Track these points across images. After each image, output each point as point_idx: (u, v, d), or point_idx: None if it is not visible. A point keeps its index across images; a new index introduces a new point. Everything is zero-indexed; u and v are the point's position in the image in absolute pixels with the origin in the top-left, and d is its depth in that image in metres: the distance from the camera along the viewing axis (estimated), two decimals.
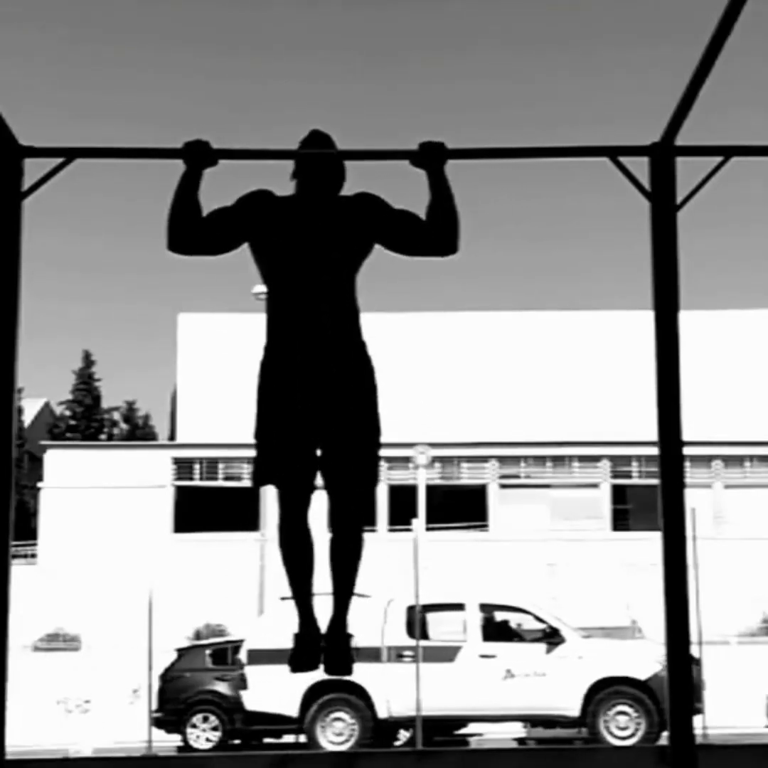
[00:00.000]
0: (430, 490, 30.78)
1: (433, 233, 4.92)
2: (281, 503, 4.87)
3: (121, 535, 30.66)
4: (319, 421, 4.79)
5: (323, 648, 4.88)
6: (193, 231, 4.90)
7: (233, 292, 67.20)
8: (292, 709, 17.72)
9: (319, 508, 4.91)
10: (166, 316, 70.34)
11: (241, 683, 18.34)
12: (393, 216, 4.95)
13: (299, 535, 4.86)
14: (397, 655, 17.62)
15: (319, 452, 4.85)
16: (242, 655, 18.36)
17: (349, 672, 4.90)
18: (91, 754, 17.89)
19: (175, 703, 19.70)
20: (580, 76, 61.75)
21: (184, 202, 4.92)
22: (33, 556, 31.86)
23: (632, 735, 17.03)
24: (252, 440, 4.92)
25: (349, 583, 4.91)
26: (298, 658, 4.89)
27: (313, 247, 4.86)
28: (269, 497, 25.68)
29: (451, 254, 4.99)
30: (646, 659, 17.03)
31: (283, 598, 14.59)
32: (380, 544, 24.06)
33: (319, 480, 4.92)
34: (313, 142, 5.03)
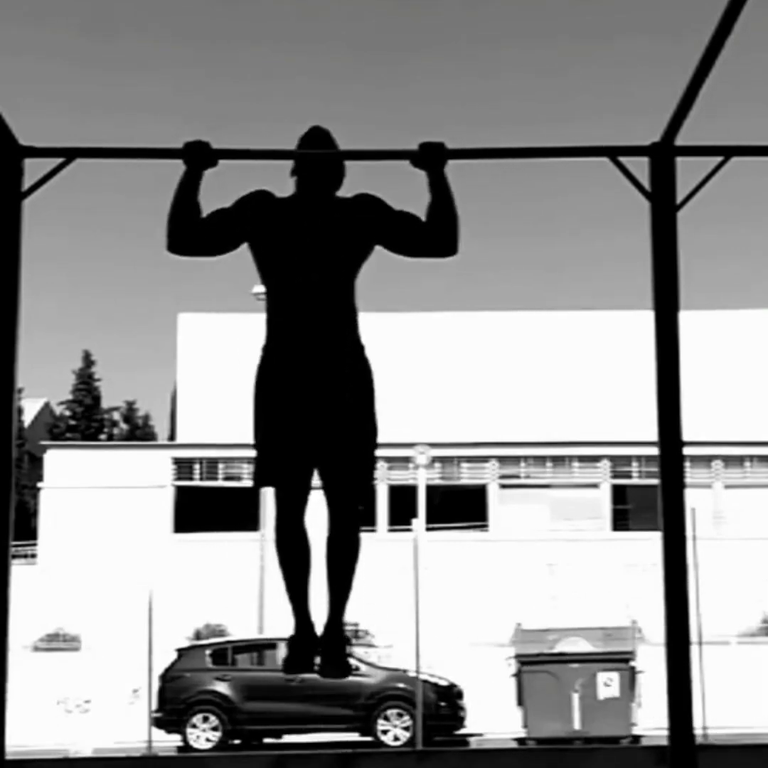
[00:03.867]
0: (430, 490, 30.77)
1: (434, 234, 4.92)
2: (278, 504, 4.87)
3: (121, 535, 30.66)
4: (317, 423, 4.78)
5: (319, 650, 4.87)
6: (192, 232, 4.90)
7: (233, 292, 67.21)
8: None
9: (316, 509, 4.91)
10: (166, 316, 70.35)
11: None
12: (393, 217, 4.94)
13: (296, 536, 4.86)
14: None
15: (316, 454, 4.84)
16: None
17: (346, 675, 4.88)
18: (91, 754, 17.91)
19: (175, 703, 19.70)
20: (580, 75, 61.76)
21: (183, 203, 4.92)
22: (33, 556, 31.86)
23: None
24: (251, 441, 4.92)
25: (345, 586, 4.90)
26: (293, 660, 4.88)
27: (312, 248, 4.85)
28: (269, 497, 25.61)
29: (451, 255, 5.00)
30: None
31: None
32: (380, 544, 24.11)
33: (316, 481, 4.92)
34: (312, 138, 5.03)
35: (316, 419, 4.78)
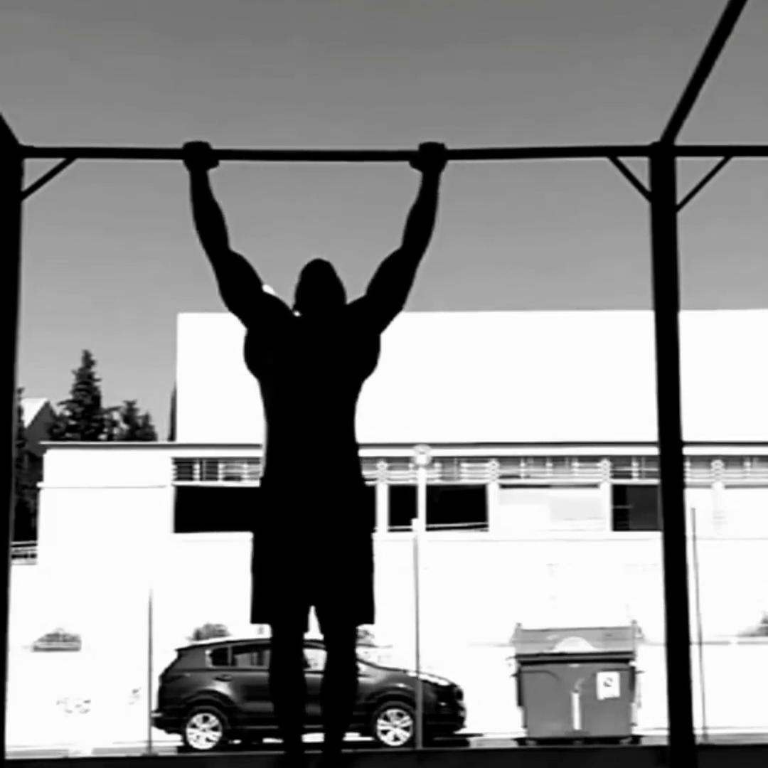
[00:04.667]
0: (430, 490, 30.77)
1: (408, 240, 4.99)
2: (275, 639, 4.89)
3: (121, 535, 30.66)
4: (315, 562, 4.77)
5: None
6: (216, 232, 4.97)
7: None
8: None
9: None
10: (166, 316, 70.35)
11: None
12: (370, 291, 5.02)
13: (292, 669, 4.90)
14: None
15: (314, 596, 4.82)
16: None
17: None
18: (91, 754, 17.90)
19: (175, 703, 19.70)
20: (580, 75, 61.77)
21: (199, 202, 4.98)
22: (33, 556, 31.86)
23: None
24: (251, 573, 4.91)
25: (342, 717, 4.96)
26: None
27: (314, 363, 4.86)
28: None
29: (421, 255, 5.04)
30: None
31: None
32: (380, 544, 24.04)
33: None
34: (313, 271, 5.03)
35: (313, 558, 4.76)
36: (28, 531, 31.92)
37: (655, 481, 5.56)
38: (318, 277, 4.99)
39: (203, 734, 19.69)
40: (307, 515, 4.77)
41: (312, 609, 4.84)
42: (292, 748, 4.95)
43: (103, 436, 47.10)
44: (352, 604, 4.82)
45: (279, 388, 4.88)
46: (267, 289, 5.13)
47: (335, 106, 60.74)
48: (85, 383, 47.63)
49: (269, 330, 4.95)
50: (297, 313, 5.03)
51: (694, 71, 4.95)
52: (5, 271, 5.25)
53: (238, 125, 56.95)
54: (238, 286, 4.99)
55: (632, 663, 17.95)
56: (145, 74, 64.59)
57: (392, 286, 5.03)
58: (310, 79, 62.25)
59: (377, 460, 30.70)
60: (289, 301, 5.08)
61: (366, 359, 4.98)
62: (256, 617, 4.88)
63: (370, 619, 4.89)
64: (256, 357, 4.99)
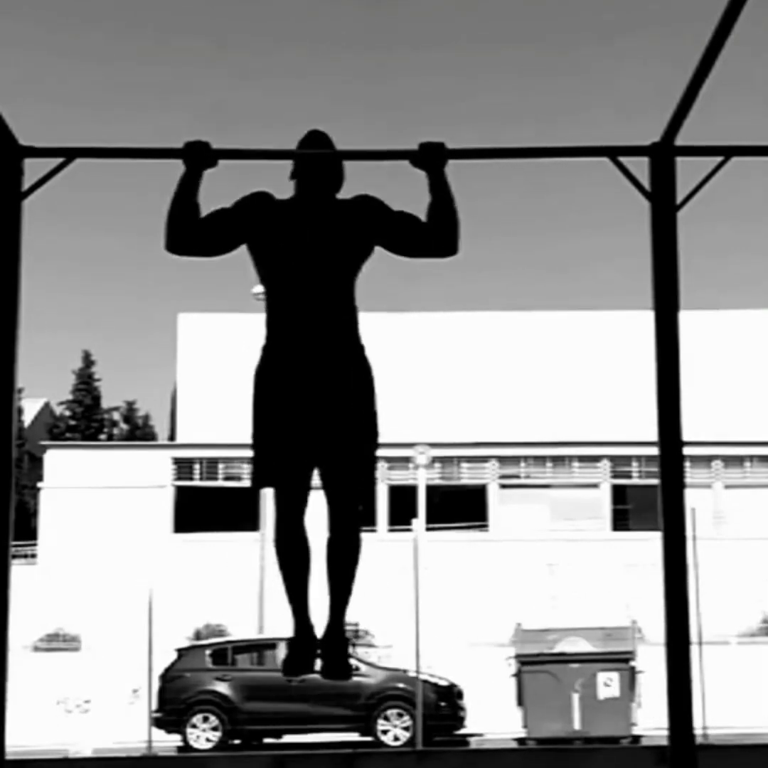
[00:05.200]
0: (430, 490, 30.77)
1: (434, 235, 4.91)
2: (278, 505, 4.85)
3: (121, 535, 30.66)
4: (317, 423, 4.76)
5: (319, 652, 4.86)
6: (191, 232, 4.89)
7: (233, 292, 67.20)
8: None
9: (316, 510, 4.90)
10: (166, 316, 70.33)
11: None
12: (393, 218, 4.94)
13: (296, 537, 4.84)
14: None
15: (316, 454, 4.82)
16: None
17: (347, 677, 4.87)
18: (91, 754, 17.90)
19: (175, 703, 19.70)
20: (580, 76, 61.76)
21: (182, 202, 4.91)
22: (33, 556, 31.86)
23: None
24: (250, 441, 4.91)
25: (346, 587, 4.88)
26: (294, 662, 4.87)
27: (312, 249, 4.84)
28: (269, 497, 25.65)
29: (451, 255, 4.99)
30: None
31: None
32: (380, 544, 24.10)
33: (316, 481, 4.91)
34: (311, 142, 5.02)
35: (315, 419, 4.76)
36: (28, 531, 31.92)
37: (655, 481, 5.55)
38: (316, 148, 4.96)
39: (203, 734, 19.69)
40: (308, 379, 4.76)
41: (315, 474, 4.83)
42: (299, 617, 4.88)
43: (103, 436, 47.10)
44: (355, 464, 4.81)
45: (277, 263, 4.87)
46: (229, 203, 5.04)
47: (335, 106, 60.73)
48: (85, 383, 47.63)
49: (262, 227, 4.88)
50: (291, 189, 4.98)
51: (694, 71, 4.95)
52: (5, 271, 5.25)
53: (238, 126, 56.98)
54: (218, 237, 4.92)
55: (632, 663, 17.96)
56: (146, 75, 64.62)
57: (407, 243, 4.93)
58: (311, 79, 62.29)
59: (378, 460, 30.64)
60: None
61: (362, 248, 4.92)
62: (258, 480, 4.85)
63: (371, 481, 4.90)
64: (257, 250, 4.93)
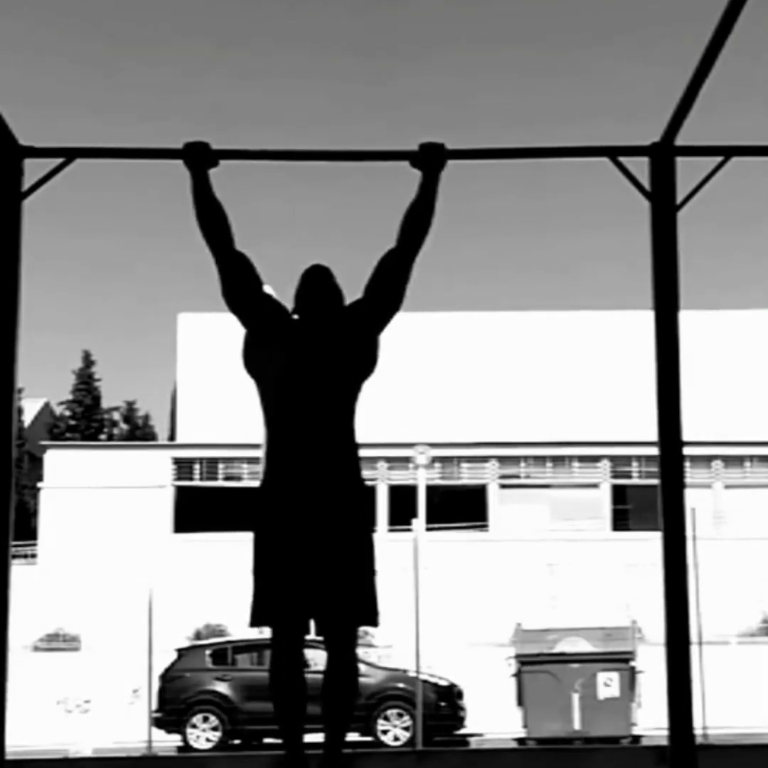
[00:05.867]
0: (430, 490, 30.77)
1: (405, 239, 4.99)
2: (275, 642, 4.88)
3: (121, 535, 30.66)
4: (316, 565, 4.76)
5: None
6: (222, 233, 4.98)
7: None
8: None
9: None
10: (166, 316, 70.35)
11: None
12: (368, 288, 5.02)
13: (292, 672, 4.88)
14: None
15: (314, 602, 4.81)
16: None
17: None
18: (91, 754, 17.89)
19: (175, 703, 19.69)
20: (580, 76, 61.76)
21: (204, 199, 4.98)
22: (33, 556, 31.86)
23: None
24: (252, 576, 4.91)
25: (342, 721, 4.95)
26: None
27: (314, 367, 4.86)
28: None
29: (416, 253, 5.04)
30: None
31: None
32: (380, 544, 24.05)
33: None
34: (313, 276, 5.04)
35: (314, 565, 4.75)
36: (28, 531, 31.92)
37: (655, 481, 5.55)
38: (317, 281, 5.00)
39: (203, 734, 19.69)
40: (308, 518, 4.76)
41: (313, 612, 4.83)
42: (293, 750, 4.93)
43: (103, 436, 47.10)
44: (353, 606, 4.81)
45: (278, 391, 4.88)
46: (267, 289, 5.13)
47: (335, 107, 60.73)
48: (85, 383, 47.64)
49: (268, 332, 4.96)
50: (296, 317, 5.03)
51: (694, 71, 4.95)
52: (5, 271, 5.25)
53: (238, 126, 56.96)
54: (240, 285, 5.00)
55: (632, 663, 17.95)
56: (146, 75, 64.61)
57: (389, 285, 5.03)
58: (311, 79, 62.26)
59: (377, 460, 30.69)
60: (289, 305, 5.08)
61: (365, 361, 4.98)
62: (257, 621, 4.88)
63: (373, 621, 4.90)
64: (255, 360, 5.00)
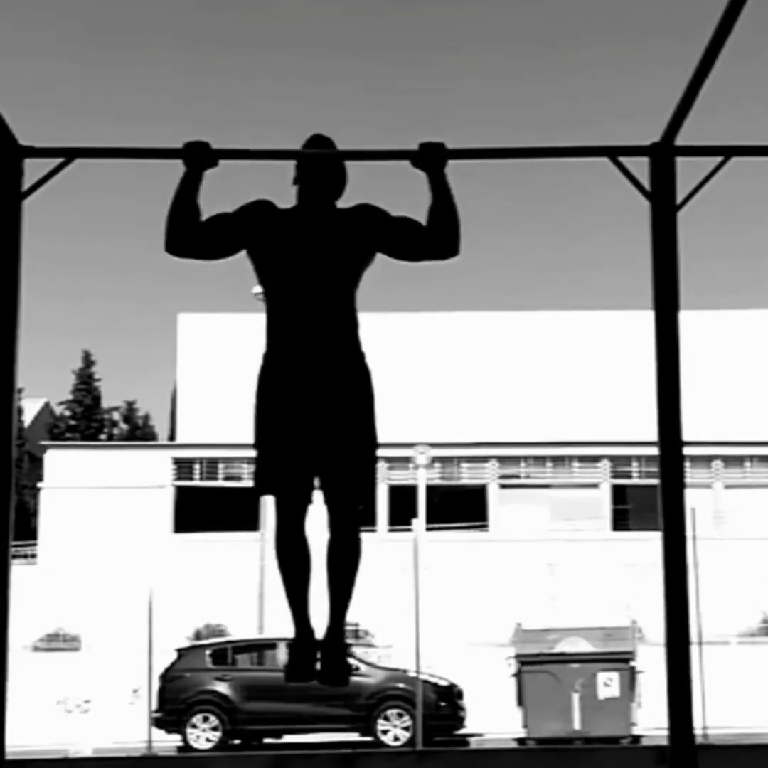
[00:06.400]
0: (430, 490, 30.77)
1: (435, 237, 4.91)
2: (279, 512, 4.87)
3: (121, 535, 30.66)
4: (318, 432, 4.78)
5: (319, 657, 4.85)
6: (191, 233, 4.89)
7: (233, 292, 67.20)
8: None
9: (316, 512, 4.91)
10: (166, 316, 70.35)
11: None
12: (394, 224, 4.94)
13: (297, 543, 4.85)
14: None
15: (317, 462, 4.83)
16: None
17: (345, 682, 4.87)
18: (91, 754, 17.90)
19: (175, 703, 19.70)
20: (580, 76, 61.77)
21: (183, 204, 4.91)
22: (33, 556, 31.86)
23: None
24: (252, 447, 4.92)
25: (346, 592, 4.89)
26: (294, 668, 4.86)
27: (312, 258, 4.85)
28: (269, 498, 25.68)
29: (453, 257, 4.99)
30: None
31: None
32: (380, 544, 24.07)
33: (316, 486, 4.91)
34: (314, 145, 5.01)
35: (316, 428, 4.77)
36: (28, 531, 31.92)
37: (655, 481, 5.55)
38: (318, 162, 4.94)
39: (203, 734, 19.68)
40: (309, 386, 4.78)
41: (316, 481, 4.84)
42: (300, 624, 4.89)
43: (103, 436, 47.10)
44: (355, 472, 4.82)
45: (279, 268, 4.87)
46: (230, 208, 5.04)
47: (336, 107, 60.75)
48: (85, 383, 47.64)
49: (263, 236, 4.89)
50: (294, 198, 4.98)
51: (694, 71, 4.95)
52: (5, 271, 5.25)
53: (237, 127, 56.97)
54: (217, 241, 4.92)
55: (632, 663, 17.95)
56: (146, 75, 64.61)
57: (409, 247, 4.94)
58: (310, 81, 62.28)
59: (377, 467, 30.64)
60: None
61: (363, 257, 4.93)
62: (260, 488, 4.87)
63: (369, 488, 4.90)
64: (255, 245, 4.93)
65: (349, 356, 4.87)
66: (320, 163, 4.96)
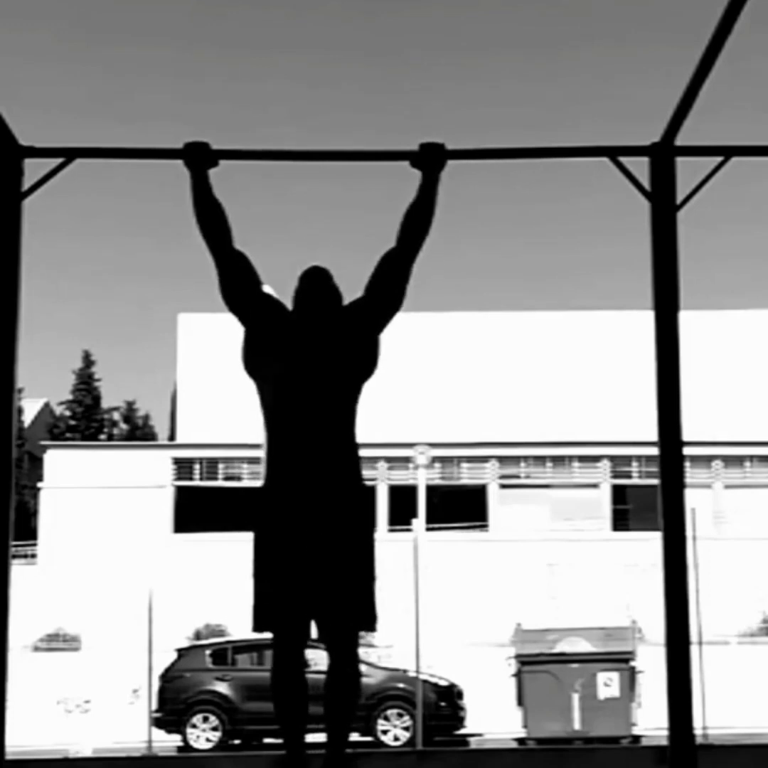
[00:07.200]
0: (430, 490, 30.76)
1: (404, 239, 4.99)
2: (276, 646, 4.90)
3: (121, 535, 30.66)
4: (317, 573, 4.76)
5: None
6: (217, 222, 4.98)
7: None
8: None
9: None
10: (166, 317, 70.32)
11: None
12: (369, 288, 5.03)
13: (294, 677, 4.90)
14: None
15: (315, 605, 4.82)
16: None
17: None
18: (91, 754, 17.89)
19: (175, 703, 19.69)
20: (580, 76, 61.77)
21: (202, 197, 4.98)
22: (33, 556, 31.86)
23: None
24: (253, 579, 4.91)
25: (344, 722, 4.96)
26: None
27: (314, 369, 4.85)
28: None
29: (417, 252, 5.05)
30: None
31: None
32: (380, 544, 24.04)
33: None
34: (311, 277, 5.03)
35: (315, 568, 4.76)
36: (28, 531, 31.92)
37: (655, 481, 5.55)
38: (315, 282, 4.99)
39: (203, 734, 19.68)
40: (308, 522, 4.75)
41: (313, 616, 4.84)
42: (294, 753, 4.92)
43: (103, 436, 47.10)
44: (353, 610, 4.81)
45: (278, 392, 4.86)
46: (267, 289, 5.13)
47: (336, 107, 60.76)
48: (85, 383, 47.64)
49: (268, 331, 4.95)
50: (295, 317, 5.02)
51: (694, 71, 4.95)
52: (5, 271, 5.25)
53: (238, 128, 56.96)
54: (238, 284, 5.00)
55: (632, 663, 17.95)
56: (146, 75, 64.61)
57: (389, 285, 5.04)
58: (311, 81, 62.26)
59: (377, 460, 30.68)
60: (288, 304, 5.08)
61: (365, 361, 4.97)
62: (259, 626, 4.88)
63: (371, 625, 4.91)
64: (254, 361, 4.99)
65: (348, 487, 4.84)
66: (316, 296, 4.99)
